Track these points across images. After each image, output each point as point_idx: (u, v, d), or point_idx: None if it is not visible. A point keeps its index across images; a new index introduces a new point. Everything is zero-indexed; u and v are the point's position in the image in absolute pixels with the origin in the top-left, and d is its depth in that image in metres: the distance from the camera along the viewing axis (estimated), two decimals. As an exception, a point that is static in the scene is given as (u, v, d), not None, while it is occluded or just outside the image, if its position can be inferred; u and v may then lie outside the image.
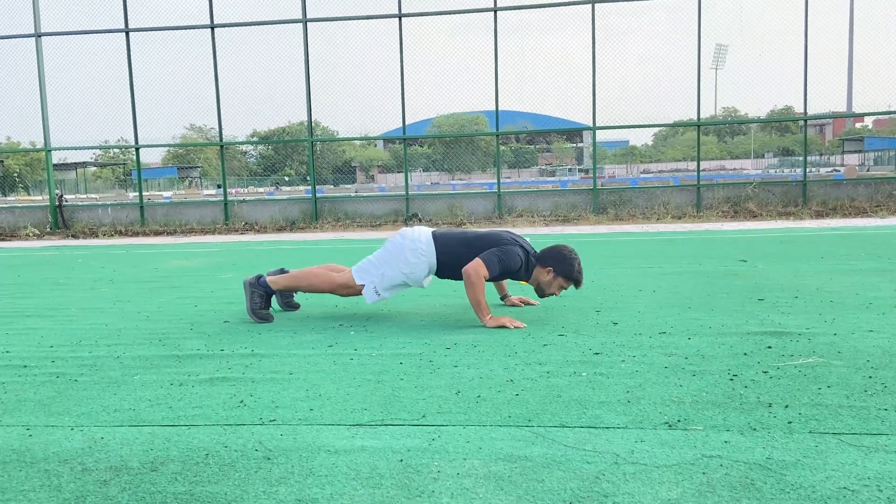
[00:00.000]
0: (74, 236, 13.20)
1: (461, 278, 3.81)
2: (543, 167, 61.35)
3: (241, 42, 14.50)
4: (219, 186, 51.32)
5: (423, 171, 63.45)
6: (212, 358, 3.19)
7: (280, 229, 13.01)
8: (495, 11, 12.59)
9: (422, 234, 3.89)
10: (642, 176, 46.21)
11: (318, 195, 13.63)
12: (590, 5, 12.35)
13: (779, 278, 4.95)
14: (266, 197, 18.12)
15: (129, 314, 4.39)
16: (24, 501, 1.76)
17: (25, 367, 3.14)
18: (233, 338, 3.61)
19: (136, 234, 13.21)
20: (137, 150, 13.96)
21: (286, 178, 55.88)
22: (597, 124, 12.63)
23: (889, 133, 62.65)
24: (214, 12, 13.08)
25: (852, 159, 57.47)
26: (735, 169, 58.47)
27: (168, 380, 2.85)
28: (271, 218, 13.44)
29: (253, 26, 13.52)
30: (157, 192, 46.92)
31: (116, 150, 55.08)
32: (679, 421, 2.16)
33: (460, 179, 51.96)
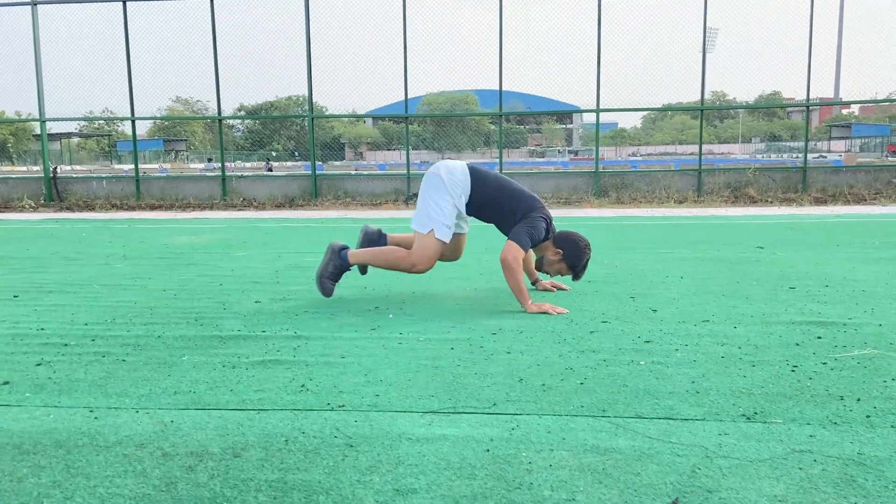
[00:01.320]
0: (69, 209, 13.03)
1: (486, 219, 3.92)
2: (533, 148, 61.28)
3: (237, 14, 14.30)
4: (209, 160, 50.84)
5: (413, 149, 63.20)
6: (255, 339, 3.15)
7: (279, 206, 12.89)
8: (500, -11, 12.46)
9: (455, 164, 3.89)
10: (631, 159, 46.29)
11: (317, 172, 13.50)
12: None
13: (801, 266, 4.97)
14: (264, 173, 17.92)
15: (155, 292, 4.33)
16: (113, 487, 1.73)
17: (66, 345, 3.08)
18: (270, 318, 3.57)
19: (132, 207, 13.05)
20: (133, 122, 13.76)
21: (273, 154, 55.43)
22: (599, 107, 12.58)
23: (875, 120, 63.09)
24: (215, -17, 12.86)
25: (839, 145, 57.85)
26: (723, 153, 58.72)
27: (218, 361, 2.81)
28: (270, 194, 13.32)
29: (253, -2, 13.35)
30: (143, 165, 46.41)
31: (101, 122, 54.30)
32: (756, 413, 2.15)
33: (450, 159, 51.83)
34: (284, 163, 50.50)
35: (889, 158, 40.39)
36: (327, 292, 3.92)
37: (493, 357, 2.82)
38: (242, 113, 45.78)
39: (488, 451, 1.92)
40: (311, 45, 12.82)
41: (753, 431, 2.01)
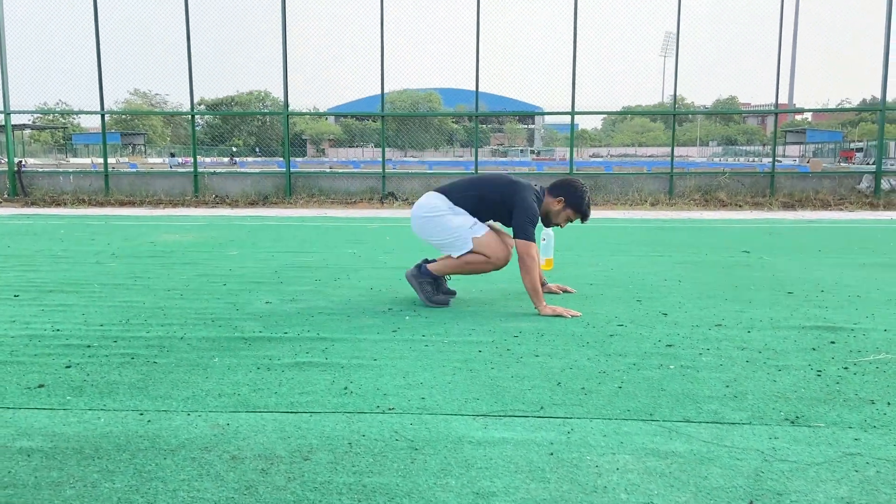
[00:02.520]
0: (34, 204, 12.72)
1: (483, 220, 3.95)
2: (495, 147, 61.59)
3: (202, 8, 14.11)
4: (172, 154, 50.00)
5: (375, 146, 63.01)
6: (280, 341, 3.15)
7: (252, 203, 12.77)
8: (479, -9, 12.52)
9: (424, 199, 3.98)
10: (593, 160, 46.83)
11: (291, 170, 13.40)
12: (573, -10, 12.40)
13: (791, 271, 5.12)
14: (238, 169, 17.71)
15: (159, 292, 4.28)
16: (193, 491, 1.73)
17: (89, 346, 3.05)
18: (286, 320, 3.57)
19: (101, 203, 12.80)
20: (103, 115, 13.48)
21: (234, 149, 54.80)
22: (574, 109, 12.73)
23: (828, 126, 64.86)
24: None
25: (794, 150, 59.36)
26: (681, 156, 59.81)
27: (251, 363, 2.81)
28: (243, 191, 13.19)
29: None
30: (99, 159, 45.38)
31: (56, 114, 52.98)
32: (798, 418, 2.23)
33: (413, 157, 51.81)
34: (245, 158, 49.94)
35: (842, 165, 41.60)
36: (446, 303, 3.93)
37: (524, 360, 2.87)
38: (203, 108, 45.21)
39: (552, 454, 1.96)
40: (272, 41, 12.72)
41: (801, 436, 2.09)
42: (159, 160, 49.09)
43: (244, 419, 2.21)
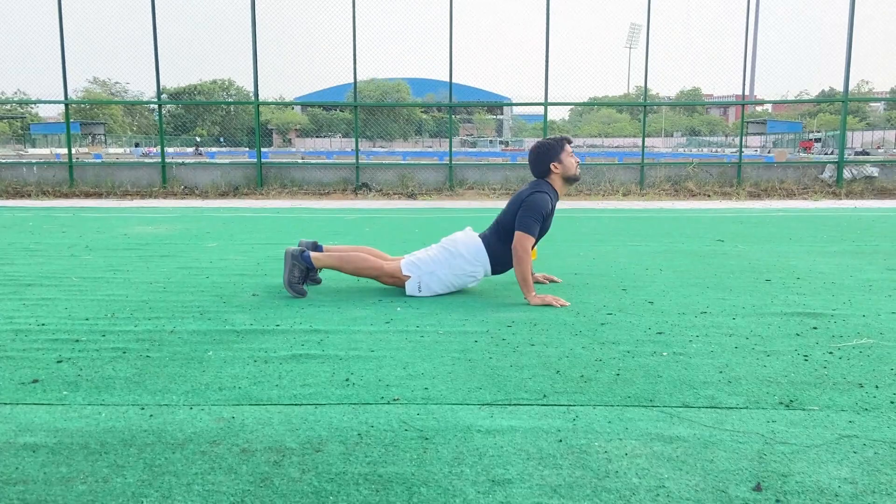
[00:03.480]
0: (-4, 195, 12.43)
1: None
2: (464, 138, 61.62)
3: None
4: (137, 144, 48.99)
5: (343, 136, 62.64)
6: (273, 333, 3.14)
7: (223, 195, 12.64)
8: (450, -19, 12.49)
9: (477, 247, 3.97)
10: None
11: (262, 160, 13.27)
12: (544, -19, 12.44)
13: (766, 259, 5.23)
14: (206, 160, 17.44)
15: (140, 285, 4.23)
16: (208, 485, 1.73)
17: (77, 341, 3.01)
18: (275, 312, 3.55)
19: (66, 195, 12.56)
20: (67, 105, 13.21)
21: (197, 139, 54.04)
22: (548, 100, 12.79)
23: (787, 117, 66.06)
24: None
25: (755, 141, 60.36)
26: (647, 147, 60.45)
27: (247, 356, 2.79)
28: (213, 182, 13.03)
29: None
30: (58, 149, 44.39)
31: (14, 104, 51.67)
32: (792, 402, 2.30)
33: (381, 147, 51.64)
34: (210, 148, 49.31)
35: (802, 155, 42.43)
36: (303, 294, 3.92)
37: (520, 349, 2.90)
38: (165, 97, 44.36)
39: (560, 441, 1.99)
40: (237, 28, 12.55)
41: (797, 419, 2.15)
42: (120, 150, 48.22)
43: (249, 412, 2.21)
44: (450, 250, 3.95)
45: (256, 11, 12.45)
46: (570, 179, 4.02)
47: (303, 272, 3.92)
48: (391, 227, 7.49)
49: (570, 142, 4.04)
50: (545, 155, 3.95)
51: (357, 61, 12.61)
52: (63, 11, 12.56)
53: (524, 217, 3.81)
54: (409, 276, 3.90)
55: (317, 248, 4.13)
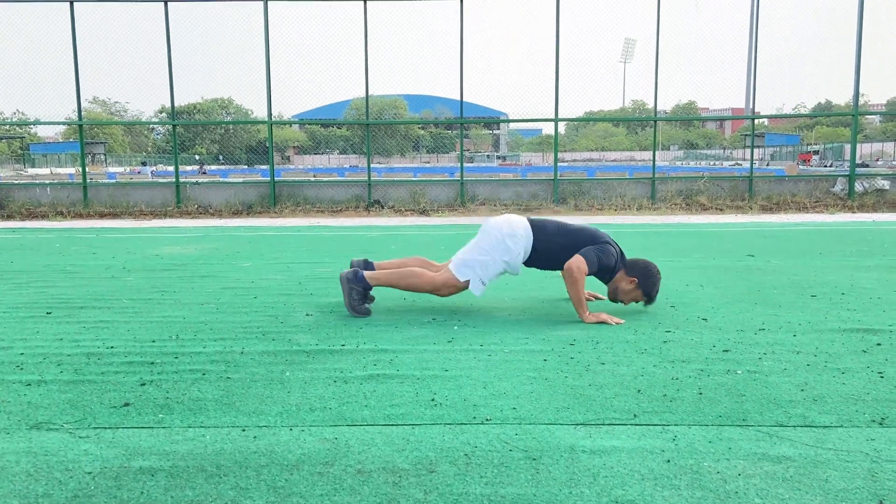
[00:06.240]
0: (10, 217, 12.44)
1: (551, 267, 4.01)
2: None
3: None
4: (144, 164, 49.07)
5: (340, 153, 62.80)
6: (341, 353, 3.16)
7: (236, 213, 12.67)
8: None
9: (518, 221, 3.99)
10: (562, 165, 47.15)
11: (276, 178, 13.31)
12: (556, -1, 12.56)
13: (804, 274, 5.26)
14: (220, 179, 17.49)
15: (193, 306, 4.24)
16: (336, 509, 1.75)
17: (153, 363, 3.02)
18: (336, 332, 3.57)
19: (81, 215, 12.57)
20: (81, 126, 13.26)
21: (197, 157, 54.10)
22: (558, 116, 12.88)
23: (784, 130, 66.37)
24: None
25: (754, 153, 60.60)
26: (644, 160, 60.74)
27: (326, 377, 2.81)
28: (227, 201, 13.06)
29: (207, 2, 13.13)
30: (59, 169, 44.45)
31: (12, 125, 51.74)
32: (884, 419, 2.32)
33: (379, 163, 51.77)
34: (210, 166, 49.40)
35: (800, 167, 42.62)
36: (367, 313, 3.95)
37: (592, 368, 2.93)
38: (164, 116, 44.42)
39: (668, 461, 2.01)
40: (239, 46, 12.64)
41: (895, 437, 2.18)
42: (120, 169, 48.24)
43: (349, 433, 2.23)
44: (492, 232, 3.95)
45: (256, 28, 12.54)
46: (614, 293, 4.03)
47: (360, 294, 3.93)
48: (416, 244, 7.51)
49: (648, 303, 4.02)
50: (645, 278, 3.93)
51: (355, 80, 12.69)
52: (77, 34, 12.63)
53: (593, 252, 3.83)
54: (467, 280, 3.91)
55: (368, 265, 4.15)
